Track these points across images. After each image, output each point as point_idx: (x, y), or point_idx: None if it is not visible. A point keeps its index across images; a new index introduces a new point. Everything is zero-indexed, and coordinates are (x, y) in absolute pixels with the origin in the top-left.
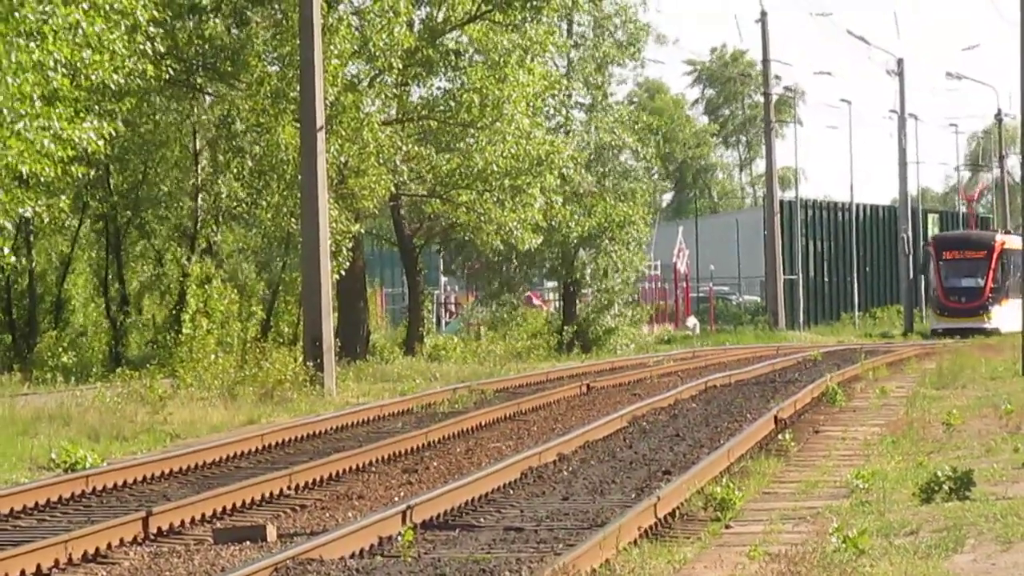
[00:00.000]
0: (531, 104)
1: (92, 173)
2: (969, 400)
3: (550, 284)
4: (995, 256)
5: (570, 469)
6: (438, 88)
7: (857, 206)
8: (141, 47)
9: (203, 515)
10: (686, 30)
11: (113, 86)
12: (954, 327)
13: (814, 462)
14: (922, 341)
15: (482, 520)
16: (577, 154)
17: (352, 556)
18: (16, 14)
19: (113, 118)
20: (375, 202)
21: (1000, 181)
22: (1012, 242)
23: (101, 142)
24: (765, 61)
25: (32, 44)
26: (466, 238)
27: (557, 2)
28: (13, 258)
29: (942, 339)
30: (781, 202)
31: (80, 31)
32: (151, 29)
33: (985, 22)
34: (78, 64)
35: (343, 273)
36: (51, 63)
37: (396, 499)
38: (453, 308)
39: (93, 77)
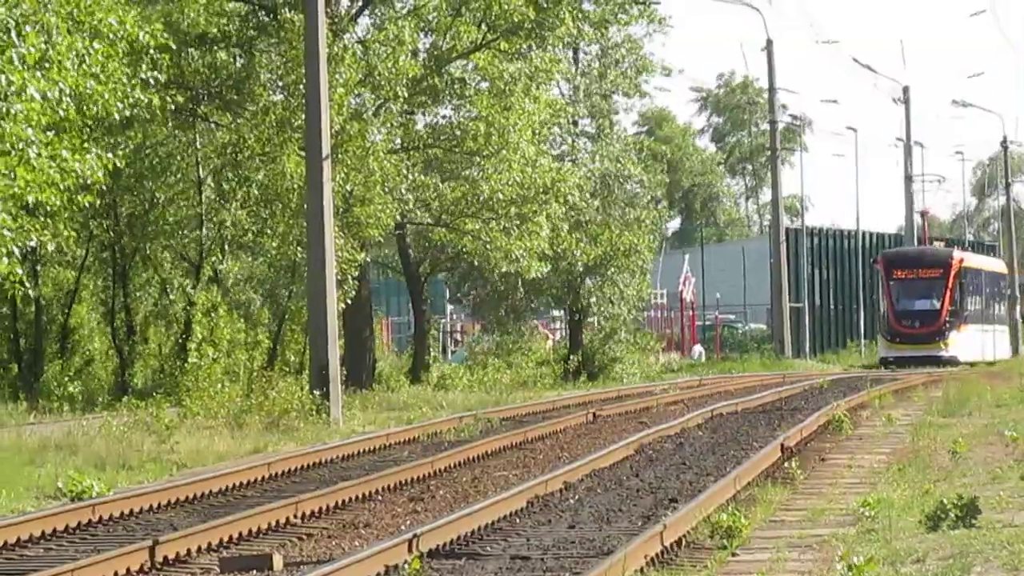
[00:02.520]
0: (537, 132)
1: (98, 202)
2: (975, 428)
3: (556, 312)
4: (952, 275)
5: (576, 497)
6: (443, 116)
7: (863, 234)
8: (144, 76)
9: (209, 544)
10: (692, 58)
11: (117, 116)
12: (906, 355)
13: (821, 490)
14: (927, 369)
15: (488, 548)
16: (583, 182)
17: None
18: (21, 42)
19: (118, 147)
20: (380, 231)
21: (1006, 208)
22: (972, 260)
23: (102, 173)
24: (771, 89)
25: (38, 73)
26: (474, 263)
27: (562, 31)
28: (26, 282)
29: (894, 369)
30: (787, 230)
31: (86, 60)
32: (156, 56)
33: (991, 50)
34: (83, 93)
35: (349, 302)
36: (56, 92)
37: (402, 528)
38: (459, 337)
39: (96, 108)
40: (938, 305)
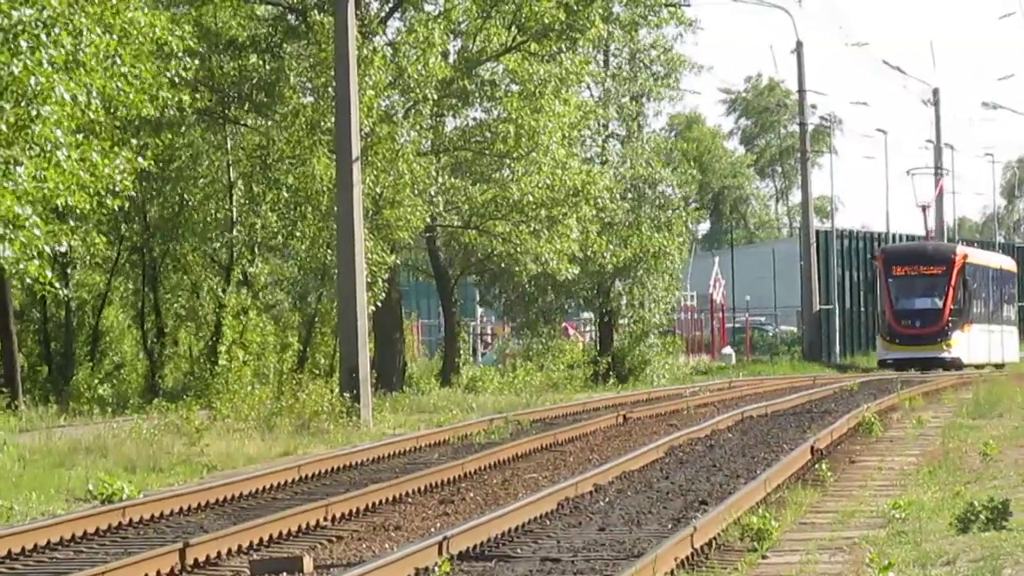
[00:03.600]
0: (567, 134)
1: (127, 205)
2: (1006, 430)
3: (586, 315)
4: (956, 272)
5: (607, 500)
6: (473, 119)
7: (893, 236)
8: (172, 76)
9: (240, 547)
10: (721, 60)
11: (146, 115)
12: (907, 357)
13: (851, 492)
14: (958, 372)
15: (519, 551)
16: (613, 184)
17: None
18: (51, 42)
19: (146, 149)
20: (410, 233)
21: None
22: (977, 256)
23: (131, 178)
24: (801, 91)
25: (68, 76)
26: (502, 266)
27: (592, 33)
28: (56, 283)
29: (898, 372)
30: (817, 232)
31: (116, 61)
32: (186, 60)
33: (1021, 52)
34: (112, 95)
35: (379, 304)
36: (85, 94)
37: (432, 530)
38: (489, 339)
39: (125, 110)
40: (940, 304)
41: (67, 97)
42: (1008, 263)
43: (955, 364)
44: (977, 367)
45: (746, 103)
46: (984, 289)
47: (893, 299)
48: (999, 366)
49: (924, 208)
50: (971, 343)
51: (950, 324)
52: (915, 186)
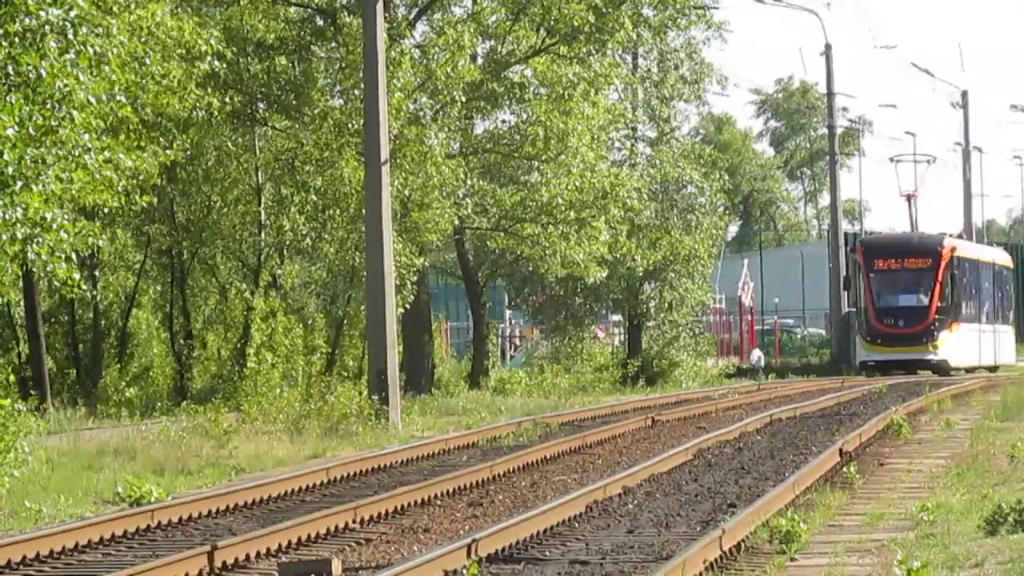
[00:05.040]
0: (596, 137)
1: (155, 203)
2: None
3: (615, 317)
4: (943, 266)
5: (635, 502)
6: (502, 121)
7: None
8: (199, 77)
9: (268, 549)
10: (750, 63)
11: (173, 116)
12: (889, 359)
13: (879, 494)
14: (988, 373)
15: (547, 553)
16: (642, 185)
17: None
18: (78, 42)
19: (173, 143)
20: (439, 235)
21: None
22: (968, 250)
23: (157, 170)
24: (830, 94)
25: (94, 75)
26: (531, 269)
27: (622, 35)
28: (84, 285)
29: (878, 376)
30: (846, 234)
31: (146, 62)
32: (215, 63)
33: None
34: (139, 94)
35: (408, 307)
36: (111, 94)
37: (461, 532)
38: (518, 341)
39: (150, 110)
40: (926, 300)
41: (92, 100)
42: (1003, 257)
43: (942, 367)
44: (967, 371)
45: (776, 105)
46: (975, 285)
47: (874, 295)
48: (992, 369)
49: (909, 197)
50: (960, 344)
51: (937, 323)
52: (898, 174)
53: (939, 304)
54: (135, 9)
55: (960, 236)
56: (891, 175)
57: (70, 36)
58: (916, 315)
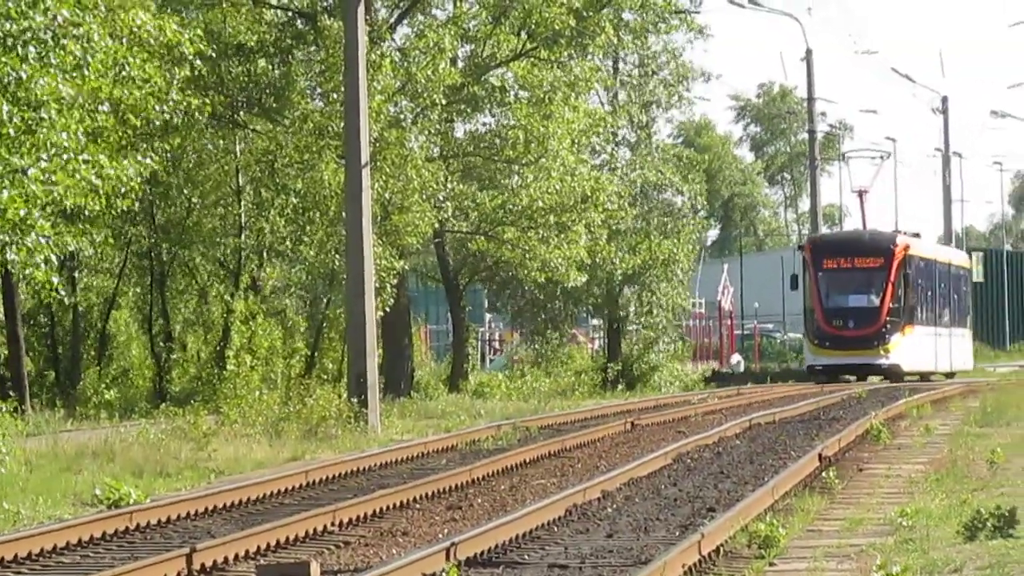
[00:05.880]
0: (576, 141)
1: (136, 205)
2: (1013, 438)
3: (594, 321)
4: (896, 265)
5: (615, 506)
6: (483, 124)
7: None
8: (180, 80)
9: (247, 552)
10: (731, 67)
11: (157, 121)
12: (838, 363)
13: (858, 499)
14: (967, 379)
15: (526, 557)
16: (623, 190)
17: None
18: (60, 49)
19: (156, 153)
20: (419, 238)
21: None
22: (922, 248)
23: (139, 179)
24: (810, 99)
25: (77, 80)
26: (511, 273)
27: (602, 40)
28: (62, 290)
29: (829, 381)
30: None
31: (125, 68)
32: (197, 63)
33: None
34: (121, 101)
35: (388, 310)
36: (93, 100)
37: (440, 536)
38: (498, 345)
39: (134, 116)
40: (877, 301)
41: (70, 103)
42: (960, 258)
43: (894, 372)
44: (921, 376)
45: (756, 110)
46: (930, 286)
47: (822, 296)
48: (949, 375)
49: (860, 194)
50: (913, 348)
51: (888, 325)
52: (851, 170)
53: (891, 305)
54: (117, 11)
55: (916, 235)
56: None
57: (50, 42)
58: (866, 316)
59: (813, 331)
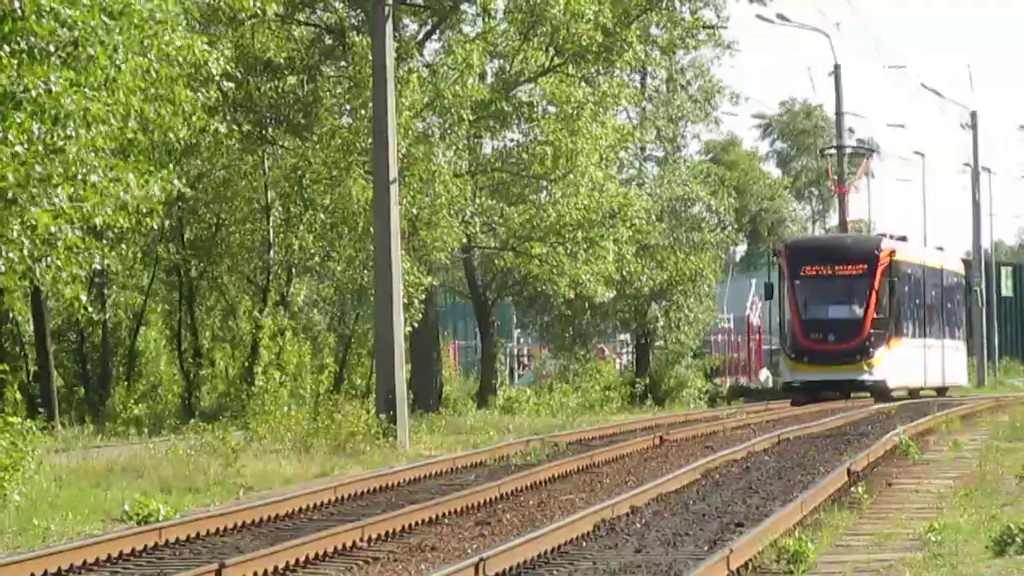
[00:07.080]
0: (604, 156)
1: (165, 223)
2: None
3: (622, 337)
4: (880, 272)
5: (643, 521)
6: (511, 140)
7: None
8: (206, 101)
9: (276, 568)
10: (759, 82)
11: (182, 141)
12: (818, 379)
13: (887, 515)
14: (995, 394)
15: (555, 572)
16: (650, 206)
17: None
18: (86, 59)
19: (182, 173)
20: (447, 254)
21: None
22: (909, 253)
23: (165, 198)
24: (839, 114)
25: (105, 95)
26: (539, 288)
27: (630, 55)
28: (90, 307)
29: (811, 399)
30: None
31: (153, 77)
32: (224, 84)
33: None
34: (150, 117)
35: (416, 325)
36: (121, 118)
37: (469, 551)
38: (526, 360)
39: (161, 133)
40: (860, 312)
41: (101, 118)
42: (952, 263)
43: (879, 389)
44: (910, 393)
45: (782, 126)
46: (918, 295)
47: (800, 306)
48: (941, 391)
49: (842, 194)
50: (900, 362)
51: (872, 338)
52: (830, 168)
53: (875, 316)
54: (145, 27)
55: (902, 238)
56: (901, 194)
57: (76, 53)
58: (848, 328)
59: (790, 345)
